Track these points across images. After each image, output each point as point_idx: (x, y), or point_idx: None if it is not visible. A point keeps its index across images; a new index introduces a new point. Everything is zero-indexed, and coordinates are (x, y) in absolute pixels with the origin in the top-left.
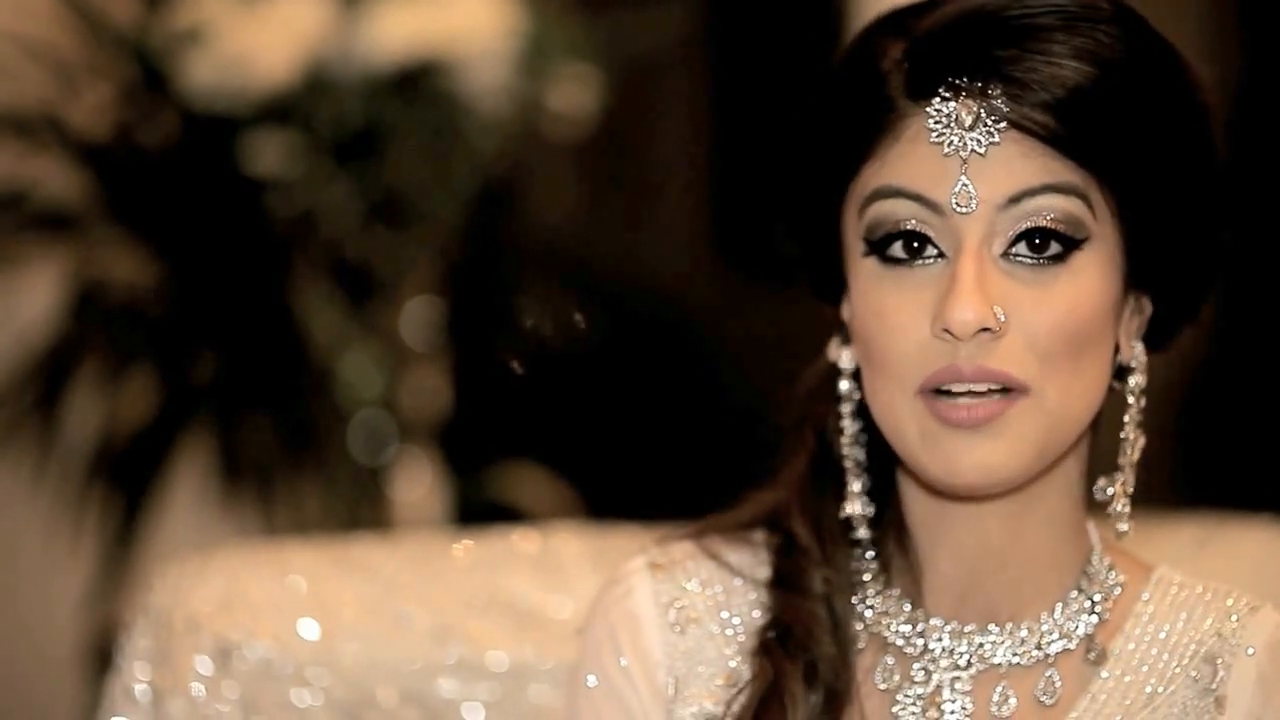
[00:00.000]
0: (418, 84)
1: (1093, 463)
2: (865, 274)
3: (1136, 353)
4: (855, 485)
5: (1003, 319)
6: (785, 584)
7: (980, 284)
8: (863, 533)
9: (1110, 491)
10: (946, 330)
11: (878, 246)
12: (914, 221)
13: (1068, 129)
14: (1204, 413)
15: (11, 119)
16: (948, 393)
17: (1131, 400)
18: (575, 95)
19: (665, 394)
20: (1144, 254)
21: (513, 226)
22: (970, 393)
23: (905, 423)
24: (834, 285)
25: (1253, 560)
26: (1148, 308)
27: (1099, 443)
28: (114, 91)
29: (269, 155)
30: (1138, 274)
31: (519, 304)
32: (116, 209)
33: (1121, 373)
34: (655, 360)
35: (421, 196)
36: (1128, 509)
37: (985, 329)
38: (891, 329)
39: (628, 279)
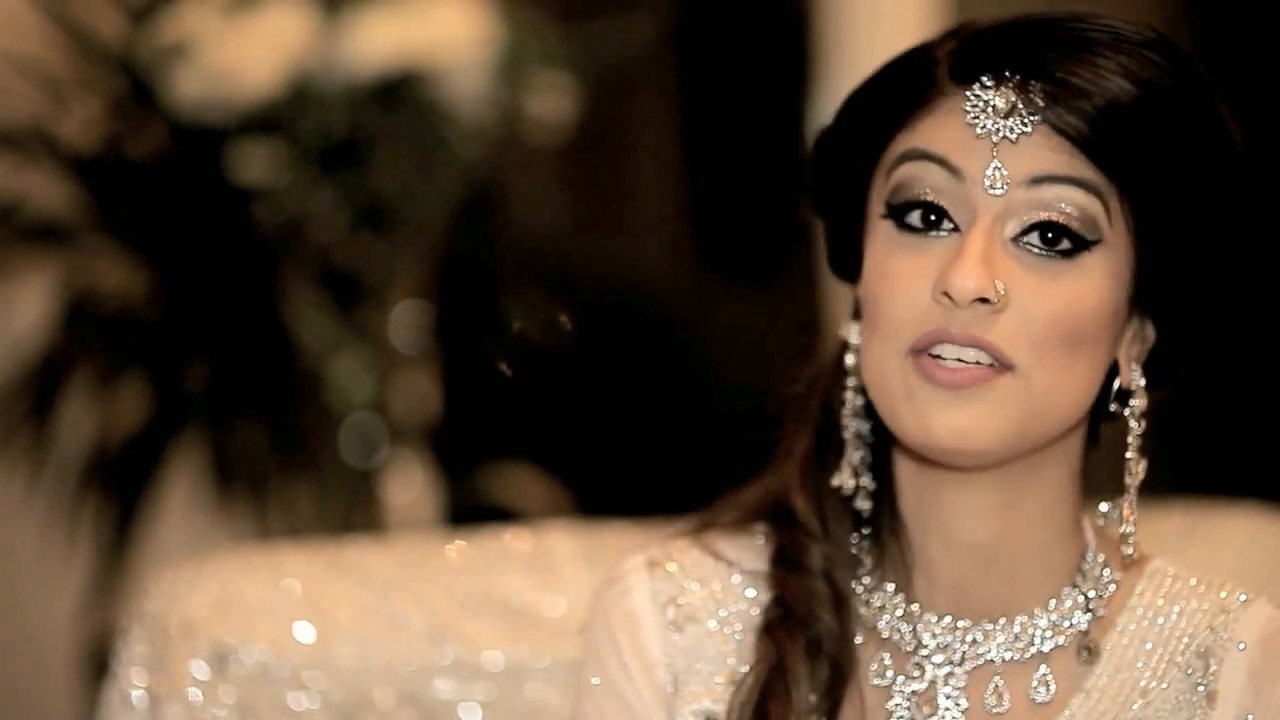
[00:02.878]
0: (400, 93)
1: (1094, 480)
2: (881, 236)
3: (1135, 377)
4: (854, 456)
5: (1002, 292)
6: (784, 562)
7: (986, 257)
8: (862, 503)
9: (1113, 516)
10: (945, 295)
11: (897, 211)
12: (933, 191)
13: (1098, 137)
14: (1189, 401)
15: (3, 134)
16: (937, 356)
17: (1133, 424)
18: (553, 102)
19: (650, 392)
20: (1153, 275)
21: (496, 230)
22: (959, 360)
23: (891, 380)
24: (854, 262)
25: (1237, 547)
26: (1151, 336)
27: (1099, 459)
28: (103, 105)
29: (256, 165)
30: (1144, 294)
31: (505, 306)
32: (107, 220)
33: (1123, 396)
34: (639, 359)
35: (406, 202)
36: (1134, 531)
37: (984, 299)
38: (893, 290)
39: (609, 279)
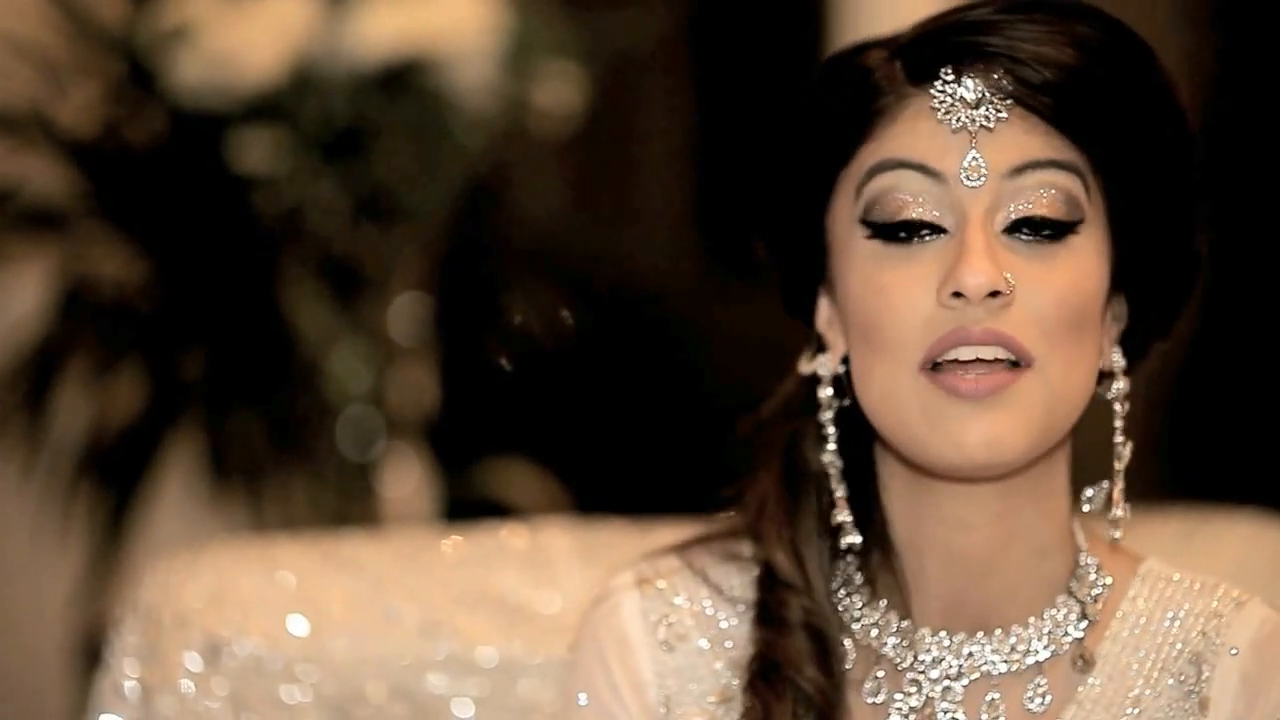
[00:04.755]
0: (404, 81)
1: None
2: (863, 255)
3: (1116, 359)
4: (840, 491)
5: (1013, 283)
6: (766, 618)
7: (990, 250)
8: (855, 538)
9: (1097, 500)
10: (957, 294)
11: (880, 229)
12: (917, 204)
13: (1066, 106)
14: (1189, 407)
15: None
16: (954, 363)
17: (1117, 407)
18: (560, 92)
19: (651, 389)
20: (1126, 248)
21: (499, 223)
22: (979, 360)
23: (906, 402)
24: (805, 296)
25: (1237, 553)
26: (1124, 316)
27: (1078, 448)
28: (102, 89)
29: (256, 152)
30: (1121, 270)
31: (506, 300)
32: (104, 206)
33: (1104, 379)
34: (641, 355)
35: (408, 193)
36: (1126, 514)
37: (996, 292)
38: (894, 304)
39: (613, 275)
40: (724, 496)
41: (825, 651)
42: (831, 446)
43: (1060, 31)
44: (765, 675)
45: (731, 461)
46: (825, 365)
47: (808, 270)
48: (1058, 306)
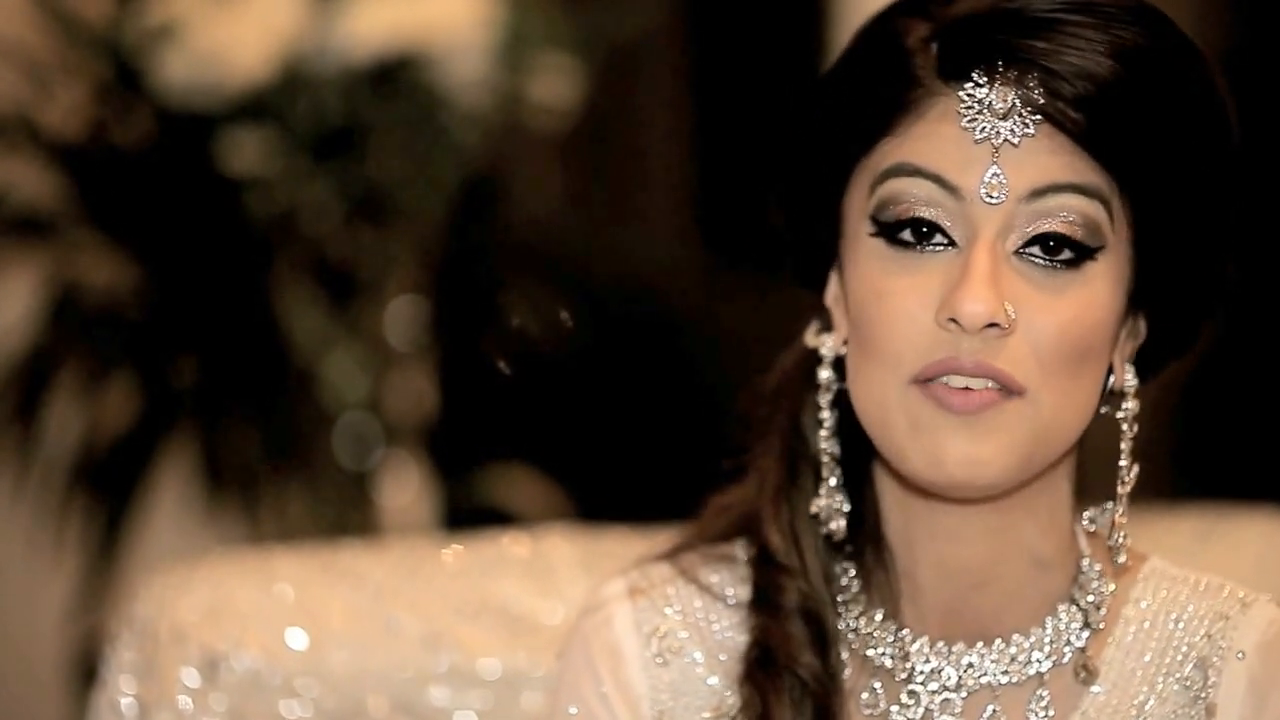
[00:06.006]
0: (396, 78)
1: (1091, 485)
2: (868, 254)
3: (1128, 378)
4: (831, 480)
5: (1013, 316)
6: (762, 604)
7: (993, 278)
8: (835, 526)
9: (1101, 523)
10: (953, 320)
11: (887, 229)
12: (929, 209)
13: (1098, 126)
14: (1204, 404)
15: None
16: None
17: (1126, 427)
18: (556, 86)
19: (654, 391)
20: (1152, 271)
21: (496, 221)
22: (967, 388)
23: (893, 412)
24: (818, 270)
25: (1254, 552)
26: (1143, 332)
27: (1085, 464)
28: (87, 91)
29: (247, 153)
30: (1142, 293)
31: (505, 302)
32: (93, 211)
33: (1114, 397)
34: (643, 357)
35: (403, 192)
36: (1127, 539)
37: (994, 324)
38: (893, 313)
39: (613, 275)
40: (725, 470)
41: (822, 638)
42: (826, 431)
43: (1103, 38)
44: (762, 664)
45: (735, 459)
46: (828, 346)
47: (821, 246)
48: (1059, 340)
